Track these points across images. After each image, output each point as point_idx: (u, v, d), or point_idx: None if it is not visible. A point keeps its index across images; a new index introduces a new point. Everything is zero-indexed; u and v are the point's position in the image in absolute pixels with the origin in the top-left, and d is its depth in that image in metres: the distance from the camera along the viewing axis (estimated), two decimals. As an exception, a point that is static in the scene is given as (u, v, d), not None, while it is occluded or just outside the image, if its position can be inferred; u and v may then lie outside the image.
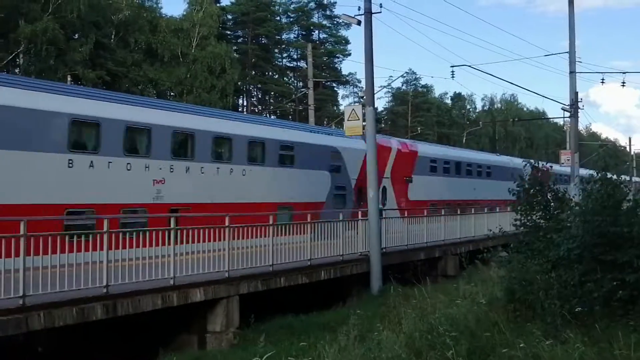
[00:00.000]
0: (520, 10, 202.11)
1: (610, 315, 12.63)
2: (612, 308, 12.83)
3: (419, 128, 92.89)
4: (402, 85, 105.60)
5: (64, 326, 13.24)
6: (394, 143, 39.51)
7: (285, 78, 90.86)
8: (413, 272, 24.43)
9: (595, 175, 14.80)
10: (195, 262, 16.28)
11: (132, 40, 59.59)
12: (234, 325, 16.74)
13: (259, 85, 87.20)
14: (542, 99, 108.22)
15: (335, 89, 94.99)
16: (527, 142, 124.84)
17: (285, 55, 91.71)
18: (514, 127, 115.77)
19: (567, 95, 38.83)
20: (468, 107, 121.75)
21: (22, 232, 12.58)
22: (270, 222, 19.24)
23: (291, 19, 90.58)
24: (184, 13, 68.28)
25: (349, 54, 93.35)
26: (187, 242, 16.20)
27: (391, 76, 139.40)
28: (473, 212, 33.43)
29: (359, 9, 23.98)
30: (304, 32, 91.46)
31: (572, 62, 37.64)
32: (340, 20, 76.47)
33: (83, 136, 21.95)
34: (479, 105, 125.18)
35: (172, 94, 62.42)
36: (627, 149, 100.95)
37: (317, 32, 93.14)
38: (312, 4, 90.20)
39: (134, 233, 16.02)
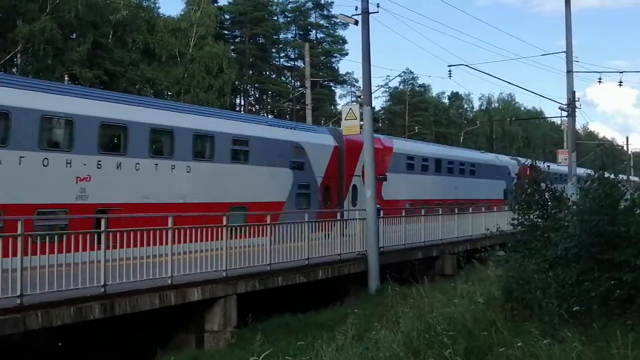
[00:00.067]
0: (517, 10, 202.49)
1: (607, 315, 12.64)
2: (610, 307, 12.84)
3: (416, 127, 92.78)
4: (400, 85, 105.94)
5: (62, 325, 13.24)
6: None
7: (282, 78, 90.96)
8: (411, 272, 24.43)
9: (593, 174, 14.82)
10: (193, 261, 16.27)
11: (130, 40, 59.65)
12: (232, 324, 16.73)
13: (257, 85, 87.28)
14: (539, 98, 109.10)
15: (333, 88, 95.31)
16: (524, 142, 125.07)
17: (282, 54, 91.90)
18: (511, 127, 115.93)
19: (565, 95, 38.91)
20: (465, 106, 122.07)
21: (19, 231, 12.57)
22: (224, 222, 17.46)
23: (288, 19, 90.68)
24: (182, 13, 68.57)
25: (347, 54, 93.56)
26: (117, 247, 14.57)
27: (388, 75, 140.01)
28: (471, 211, 33.43)
29: (356, 9, 23.99)
30: (301, 32, 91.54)
31: (569, 61, 37.66)
32: (338, 20, 76.75)
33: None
34: (476, 105, 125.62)
35: (169, 93, 62.46)
36: (625, 148, 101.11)
37: (314, 31, 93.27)
38: (309, 4, 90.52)
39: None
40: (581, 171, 46.15)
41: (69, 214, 19.85)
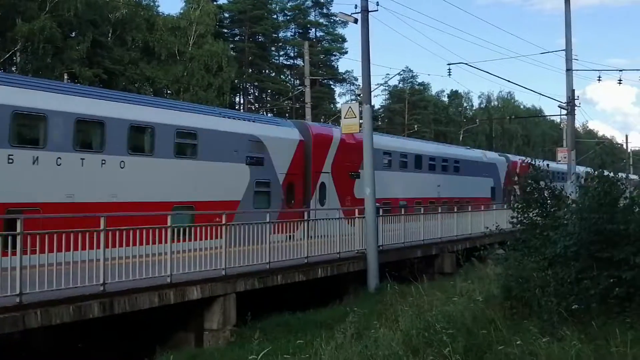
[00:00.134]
0: (517, 8, 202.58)
1: (606, 313, 12.65)
2: (609, 305, 12.85)
3: (415, 126, 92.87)
4: (399, 83, 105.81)
5: (61, 324, 13.25)
6: (336, 131, 32.82)
7: (282, 76, 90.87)
8: (410, 270, 24.45)
9: (593, 172, 14.84)
10: (192, 260, 16.28)
11: (129, 39, 59.58)
12: (231, 323, 16.75)
13: (256, 83, 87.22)
14: (538, 96, 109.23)
15: (332, 86, 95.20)
16: (523, 140, 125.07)
17: (282, 53, 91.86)
18: (510, 125, 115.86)
19: (564, 93, 38.94)
20: (465, 104, 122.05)
21: (18, 230, 12.57)
22: (169, 223, 16.09)
23: (288, 17, 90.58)
24: (181, 11, 68.61)
25: (346, 52, 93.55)
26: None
27: (388, 74, 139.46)
28: (470, 209, 33.41)
29: (355, 7, 23.99)
30: (300, 30, 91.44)
31: (569, 59, 37.65)
32: (337, 19, 76.69)
33: None
34: (475, 103, 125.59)
35: (169, 92, 62.46)
36: (624, 146, 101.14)
37: (314, 30, 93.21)
38: (308, 2, 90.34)
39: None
40: (580, 169, 46.06)
41: None
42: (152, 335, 16.12)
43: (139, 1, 63.62)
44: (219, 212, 18.91)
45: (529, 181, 16.66)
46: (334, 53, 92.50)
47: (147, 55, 61.31)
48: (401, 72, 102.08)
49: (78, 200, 19.99)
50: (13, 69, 50.06)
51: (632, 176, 63.08)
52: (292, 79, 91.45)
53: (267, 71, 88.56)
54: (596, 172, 14.79)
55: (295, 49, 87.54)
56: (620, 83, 43.03)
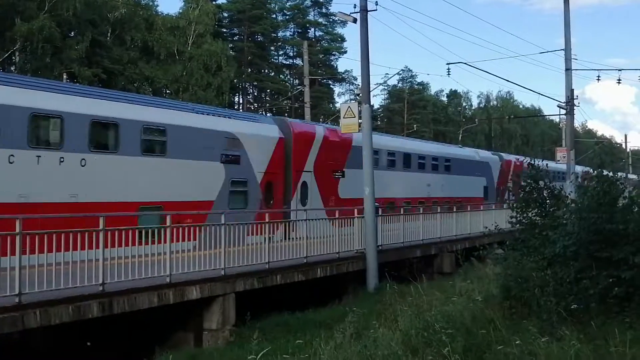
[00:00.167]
0: (516, 8, 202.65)
1: (606, 312, 12.64)
2: (608, 305, 12.84)
3: (414, 125, 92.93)
4: (398, 83, 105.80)
5: (60, 324, 13.25)
6: (319, 129, 32.68)
7: (281, 76, 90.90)
8: (409, 270, 24.45)
9: (590, 171, 14.85)
10: (192, 259, 16.28)
11: (128, 38, 59.56)
12: (230, 322, 16.75)
13: (255, 83, 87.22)
14: (538, 96, 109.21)
15: (331, 86, 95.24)
16: (522, 140, 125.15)
17: (281, 52, 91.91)
18: (509, 125, 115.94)
19: (563, 93, 38.95)
20: (464, 104, 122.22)
21: (17, 230, 12.57)
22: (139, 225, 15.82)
23: (287, 17, 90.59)
24: (180, 11, 68.68)
25: (345, 52, 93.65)
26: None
27: (387, 73, 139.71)
28: (466, 209, 33.40)
29: (354, 7, 23.99)
30: (299, 30, 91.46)
31: (568, 59, 37.69)
32: (336, 18, 76.78)
33: None
34: (474, 103, 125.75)
35: (168, 91, 62.46)
36: (623, 146, 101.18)
37: (313, 29, 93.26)
38: (308, 2, 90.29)
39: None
40: (579, 169, 46.01)
41: None
42: (151, 335, 16.12)
43: (138, 1, 63.57)
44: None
45: (528, 181, 16.65)
46: (333, 53, 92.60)
47: (146, 54, 61.31)
48: (400, 72, 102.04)
49: (33, 200, 18.70)
50: (12, 68, 50.04)
51: (631, 176, 62.97)
52: (291, 79, 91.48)
53: (266, 71, 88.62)
54: (595, 172, 14.80)
55: (295, 49, 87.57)
56: (619, 83, 43.17)
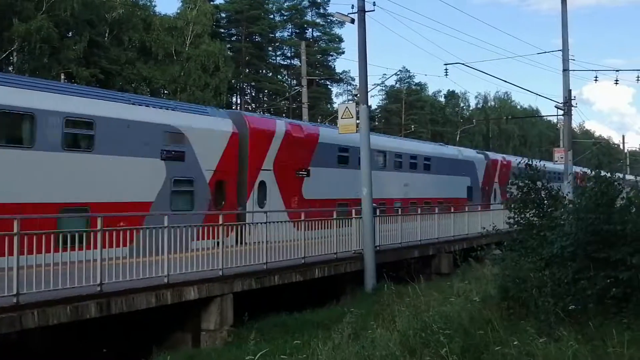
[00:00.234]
0: (513, 8, 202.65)
1: (603, 313, 12.65)
2: (606, 306, 12.85)
3: (412, 126, 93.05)
4: (396, 83, 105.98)
5: (58, 324, 13.25)
6: (280, 124, 30.15)
7: (279, 76, 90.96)
8: (407, 270, 24.41)
9: (588, 172, 14.87)
10: (189, 260, 16.28)
11: (126, 39, 59.64)
12: (228, 323, 16.75)
13: (253, 83, 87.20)
14: (535, 96, 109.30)
15: (329, 87, 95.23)
16: (520, 140, 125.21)
17: (279, 53, 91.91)
18: (507, 125, 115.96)
19: (561, 93, 38.97)
20: (462, 105, 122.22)
21: (15, 230, 12.57)
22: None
23: (285, 17, 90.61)
24: (178, 11, 68.64)
25: (343, 52, 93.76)
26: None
27: (385, 74, 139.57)
28: (467, 209, 33.39)
29: (352, 7, 24.00)
30: (297, 30, 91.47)
31: (566, 60, 37.75)
32: (334, 19, 76.67)
33: None
34: (472, 103, 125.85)
35: (165, 92, 62.44)
36: (621, 146, 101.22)
37: (310, 30, 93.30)
38: (305, 2, 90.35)
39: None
40: (578, 170, 45.84)
41: None
42: (149, 336, 16.11)
43: (136, 1, 63.61)
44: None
45: (526, 181, 16.67)
46: (331, 53, 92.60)
47: (144, 55, 61.34)
48: (398, 72, 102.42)
49: None
50: (10, 68, 50.02)
51: (629, 176, 63.02)
52: (289, 79, 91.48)
53: (264, 71, 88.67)
54: (593, 173, 14.83)
55: (292, 49, 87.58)
56: (617, 83, 42.93)
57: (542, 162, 18.15)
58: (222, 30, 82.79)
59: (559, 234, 14.14)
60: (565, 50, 37.66)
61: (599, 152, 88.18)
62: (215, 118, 26.00)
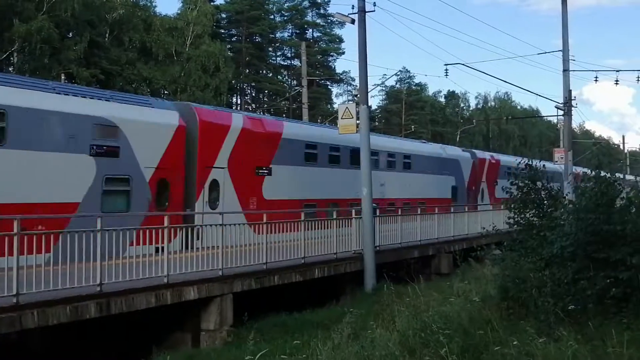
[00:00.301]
0: (513, 8, 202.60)
1: (603, 313, 12.64)
2: (606, 306, 12.84)
3: (412, 126, 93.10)
4: (396, 84, 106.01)
5: (58, 324, 13.25)
6: (237, 117, 27.70)
7: (279, 76, 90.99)
8: (407, 270, 24.42)
9: (587, 172, 14.87)
10: (189, 260, 16.29)
11: (127, 39, 59.60)
12: (228, 323, 16.75)
13: (253, 84, 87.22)
14: (535, 97, 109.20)
15: (329, 87, 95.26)
16: (520, 140, 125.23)
17: (279, 53, 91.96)
18: (507, 125, 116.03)
19: (561, 94, 39.01)
20: (462, 105, 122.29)
21: (15, 230, 12.56)
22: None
23: (285, 18, 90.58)
24: (178, 12, 68.62)
25: (343, 53, 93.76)
26: None
27: (385, 74, 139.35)
28: (466, 209, 33.38)
29: (352, 8, 24.02)
30: (298, 31, 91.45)
31: (566, 60, 37.78)
32: (334, 19, 76.76)
33: None
34: (472, 104, 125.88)
35: (166, 92, 62.43)
36: (621, 146, 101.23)
37: (311, 30, 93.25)
38: (306, 3, 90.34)
39: None
40: (579, 170, 45.64)
41: None
42: (149, 336, 16.11)
43: (136, 1, 63.62)
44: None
45: (526, 182, 16.67)
46: (331, 53, 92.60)
47: (145, 55, 61.31)
48: (398, 73, 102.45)
49: None
50: (10, 69, 50.03)
51: (629, 177, 62.94)
52: (289, 80, 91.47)
53: (264, 72, 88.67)
54: (592, 173, 14.82)
55: (293, 50, 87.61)
56: (617, 84, 42.90)
57: (542, 162, 18.09)
58: (223, 31, 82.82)
59: (559, 234, 14.13)
60: (565, 50, 37.71)
61: (599, 153, 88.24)
62: (157, 110, 23.33)
